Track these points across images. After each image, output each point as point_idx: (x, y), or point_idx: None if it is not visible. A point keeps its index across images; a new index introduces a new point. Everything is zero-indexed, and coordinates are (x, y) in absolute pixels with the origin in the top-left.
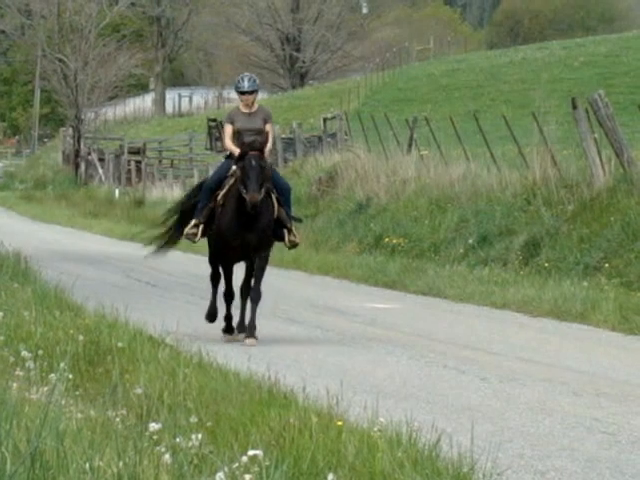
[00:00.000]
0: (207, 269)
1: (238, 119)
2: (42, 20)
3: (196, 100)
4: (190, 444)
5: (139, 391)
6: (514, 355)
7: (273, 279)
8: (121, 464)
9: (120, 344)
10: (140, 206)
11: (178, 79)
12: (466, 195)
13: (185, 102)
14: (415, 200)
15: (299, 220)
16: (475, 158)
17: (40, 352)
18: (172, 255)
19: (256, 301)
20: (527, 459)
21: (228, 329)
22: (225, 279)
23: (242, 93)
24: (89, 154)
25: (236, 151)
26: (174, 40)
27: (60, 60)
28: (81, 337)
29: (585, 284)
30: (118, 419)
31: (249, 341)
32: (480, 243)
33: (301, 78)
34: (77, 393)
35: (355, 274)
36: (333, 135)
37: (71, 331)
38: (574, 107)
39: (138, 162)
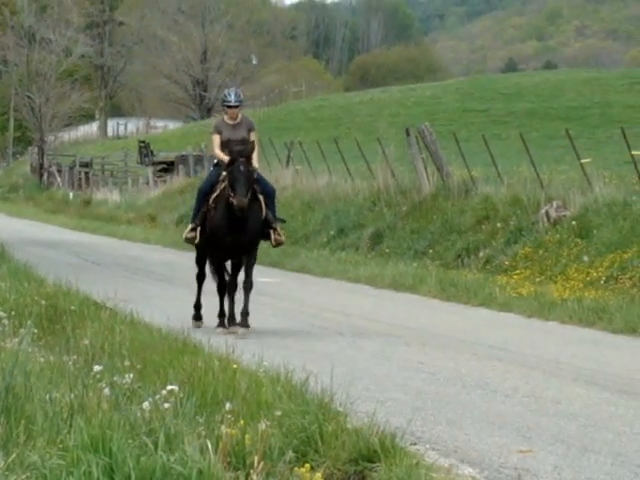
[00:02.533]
0: (138, 251)
1: (224, 130)
2: (15, 67)
3: (130, 127)
4: (124, 381)
5: (86, 342)
6: (363, 316)
7: (186, 261)
8: (72, 396)
9: (72, 307)
10: (88, 205)
11: (116, 111)
12: (328, 198)
13: (122, 128)
14: (291, 202)
15: (283, 221)
16: (335, 172)
17: (12, 313)
18: (111, 241)
19: (249, 290)
20: (371, 392)
21: (229, 320)
22: (217, 275)
23: (229, 107)
24: (50, 166)
25: (226, 159)
26: (113, 82)
27: (28, 97)
28: (43, 302)
29: (415, 265)
30: (70, 363)
31: (242, 330)
32: (339, 234)
33: (208, 111)
34: (40, 343)
35: None
36: None
37: (36, 297)
38: (407, 135)
39: (87, 172)
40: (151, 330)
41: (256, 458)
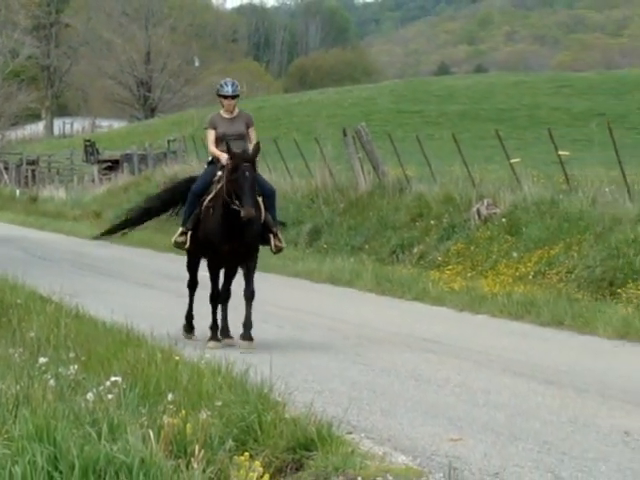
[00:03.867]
0: (84, 246)
1: (220, 124)
2: None
3: (75, 126)
4: (69, 373)
5: (32, 335)
6: (301, 310)
7: (123, 253)
8: (18, 387)
9: (19, 301)
10: (34, 202)
11: (62, 110)
12: None
13: (68, 127)
14: None
15: (283, 224)
16: (275, 170)
17: None
18: (57, 236)
19: (251, 300)
20: (310, 383)
21: (223, 332)
22: (212, 283)
23: (225, 97)
24: None
25: (222, 156)
26: (59, 82)
27: None
28: None
29: (352, 260)
30: (17, 354)
31: (244, 343)
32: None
33: (152, 111)
34: None
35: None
36: (174, 152)
37: None
38: (344, 135)
39: (33, 170)
40: (96, 323)
41: (197, 447)
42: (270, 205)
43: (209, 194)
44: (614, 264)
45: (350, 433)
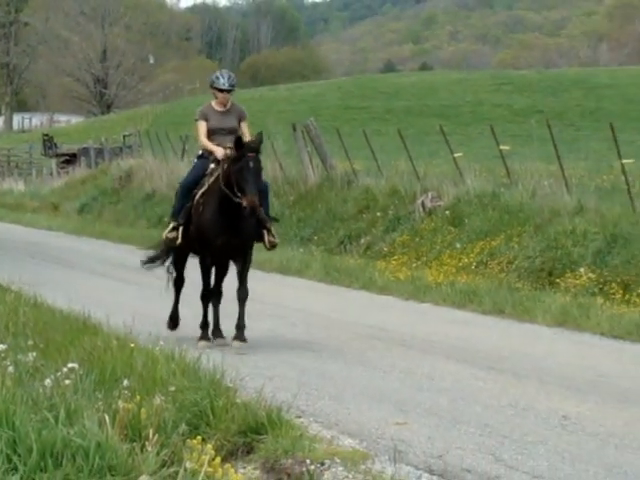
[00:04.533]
0: (42, 237)
1: (212, 117)
2: None
3: (34, 121)
4: (27, 360)
5: None
6: (253, 298)
7: (81, 244)
8: None
9: None
10: None
11: (22, 106)
12: None
13: (27, 122)
14: None
15: (276, 220)
16: None
17: None
18: (16, 227)
19: (244, 300)
20: (260, 369)
21: (214, 331)
22: (204, 281)
23: (220, 90)
24: None
25: (215, 150)
26: (19, 79)
27: None
28: None
29: (301, 250)
30: None
31: (236, 343)
32: None
33: (108, 107)
34: None
35: (143, 242)
36: (130, 147)
37: None
38: (294, 130)
39: None
40: (53, 311)
41: (151, 431)
42: (263, 200)
43: (201, 187)
44: (553, 255)
45: (299, 417)
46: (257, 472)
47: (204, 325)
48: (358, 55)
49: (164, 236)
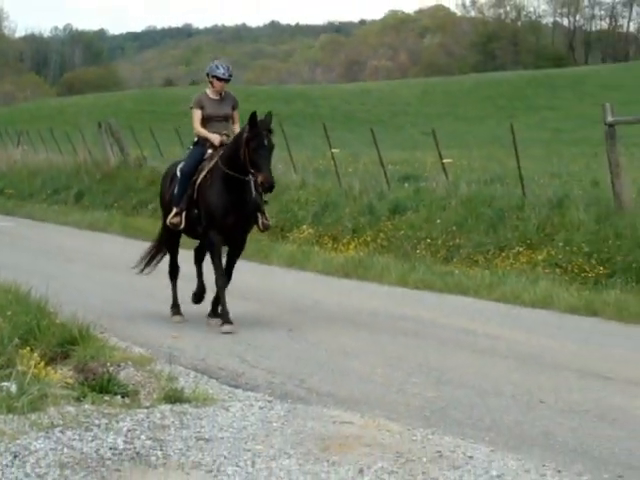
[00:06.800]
0: None
1: (207, 105)
2: None
3: None
4: None
5: None
6: (73, 249)
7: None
8: None
9: None
10: None
11: None
12: (46, 168)
13: None
14: (20, 170)
15: (266, 202)
16: (51, 151)
17: None
18: None
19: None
20: (75, 298)
21: (224, 317)
22: (217, 262)
23: (218, 79)
24: None
25: (211, 137)
26: None
27: None
28: None
29: (105, 213)
30: None
31: (226, 327)
32: (53, 193)
33: None
34: None
35: None
36: None
37: None
38: (99, 127)
39: None
40: None
41: None
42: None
43: (201, 172)
44: (284, 216)
45: (102, 333)
46: (71, 372)
47: (223, 311)
48: (146, 73)
49: (168, 222)
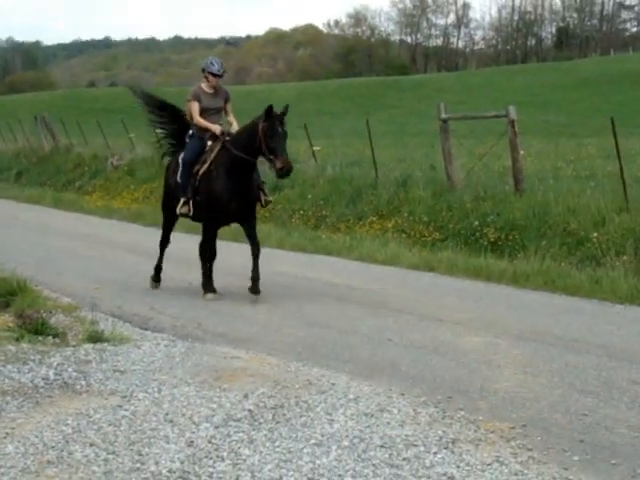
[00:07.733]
0: None
1: (203, 98)
2: None
3: None
4: None
5: None
6: (13, 217)
7: None
8: None
9: None
10: None
11: None
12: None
13: None
14: None
15: (264, 182)
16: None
17: None
18: None
19: (258, 255)
20: (16, 257)
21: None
22: (210, 244)
23: (213, 75)
24: None
25: (212, 127)
26: None
27: None
28: None
29: (40, 190)
30: None
31: (253, 296)
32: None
33: None
34: None
35: None
36: None
37: None
38: (36, 119)
39: None
40: None
41: None
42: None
43: (204, 163)
44: None
45: (37, 286)
46: (11, 318)
47: (208, 280)
48: (73, 77)
49: (178, 212)
